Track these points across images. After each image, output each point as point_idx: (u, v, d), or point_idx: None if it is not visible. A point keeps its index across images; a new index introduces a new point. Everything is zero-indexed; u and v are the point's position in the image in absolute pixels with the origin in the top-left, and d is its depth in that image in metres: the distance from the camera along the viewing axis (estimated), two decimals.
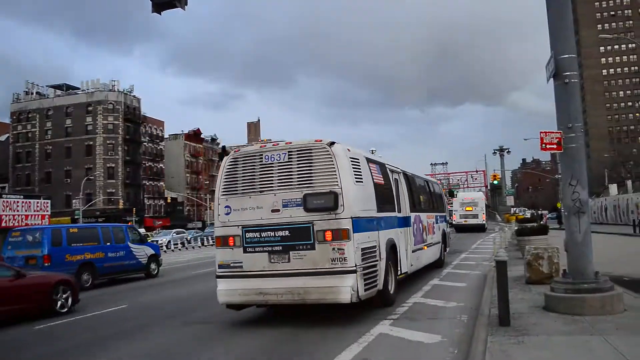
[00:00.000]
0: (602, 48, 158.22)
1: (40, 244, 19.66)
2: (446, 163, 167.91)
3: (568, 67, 10.33)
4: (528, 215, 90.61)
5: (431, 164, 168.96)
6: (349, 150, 11.65)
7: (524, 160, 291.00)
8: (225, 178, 11.86)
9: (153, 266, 24.94)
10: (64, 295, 14.77)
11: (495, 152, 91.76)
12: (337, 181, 10.94)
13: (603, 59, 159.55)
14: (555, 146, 10.31)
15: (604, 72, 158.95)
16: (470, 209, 54.12)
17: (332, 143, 11.20)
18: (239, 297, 11.35)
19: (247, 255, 11.30)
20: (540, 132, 10.36)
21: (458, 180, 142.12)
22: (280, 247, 11.02)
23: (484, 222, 55.88)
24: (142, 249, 24.28)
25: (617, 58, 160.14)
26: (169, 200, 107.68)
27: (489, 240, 35.19)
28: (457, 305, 12.11)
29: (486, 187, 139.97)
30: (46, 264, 19.12)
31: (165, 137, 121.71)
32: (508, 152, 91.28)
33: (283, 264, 10.99)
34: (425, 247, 17.74)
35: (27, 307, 13.69)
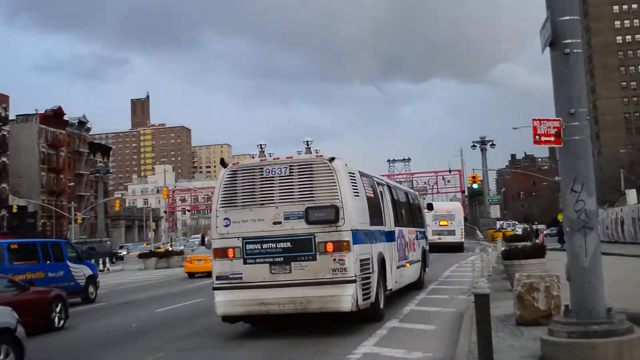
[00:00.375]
0: (615, 7, 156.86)
1: None
2: (408, 160, 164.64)
3: (569, 32, 10.55)
4: (519, 231, 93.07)
5: (388, 160, 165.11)
6: (347, 165, 16.27)
7: (513, 156, 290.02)
8: (224, 190, 16.28)
9: (91, 289, 28.46)
10: (59, 310, 19.63)
11: (474, 146, 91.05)
12: (337, 195, 15.51)
13: (617, 22, 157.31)
14: (552, 138, 10.52)
15: (619, 39, 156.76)
16: (446, 223, 56.45)
17: (333, 159, 15.82)
18: (240, 307, 15.69)
19: (247, 267, 15.70)
20: (533, 120, 10.55)
21: (425, 183, 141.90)
22: (282, 258, 15.46)
23: (462, 239, 58.98)
24: (80, 269, 27.85)
25: (637, 21, 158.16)
26: (14, 210, 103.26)
27: (466, 265, 36.10)
28: (423, 358, 12.39)
29: (463, 192, 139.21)
30: None
31: (10, 118, 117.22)
32: (492, 145, 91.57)
33: (284, 274, 15.40)
34: (408, 265, 22.18)
35: (29, 321, 16.45)
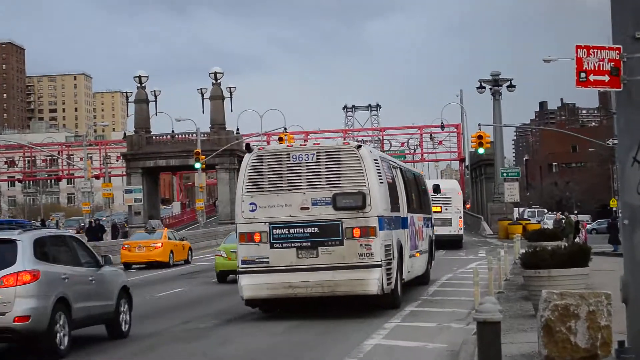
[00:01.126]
0: None
1: None
2: (377, 107, 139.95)
3: None
4: (549, 223, 69.68)
5: (346, 107, 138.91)
6: (372, 152, 19.49)
7: (542, 106, 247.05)
8: (249, 175, 18.67)
9: None
10: None
11: (482, 87, 72.84)
12: (364, 182, 18.18)
13: None
14: (607, 78, 9.40)
15: None
16: (438, 209, 46.69)
17: (359, 146, 18.66)
18: (267, 291, 18.49)
19: (274, 251, 18.25)
20: (577, 48, 9.40)
21: (403, 145, 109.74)
22: (309, 243, 18.12)
23: (461, 231, 52.15)
24: None
25: None
26: None
27: (466, 274, 32.16)
28: None
29: (462, 161, 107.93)
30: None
31: None
32: (510, 87, 73.73)
33: (311, 259, 18.10)
34: (417, 254, 24.54)
35: None
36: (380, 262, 18.30)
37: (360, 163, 18.42)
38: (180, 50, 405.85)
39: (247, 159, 18.87)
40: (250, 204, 18.61)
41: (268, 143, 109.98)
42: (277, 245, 18.30)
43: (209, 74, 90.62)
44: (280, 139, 68.87)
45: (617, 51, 9.34)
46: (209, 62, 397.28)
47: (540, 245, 20.72)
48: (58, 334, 15.18)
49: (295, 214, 18.27)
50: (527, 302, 19.98)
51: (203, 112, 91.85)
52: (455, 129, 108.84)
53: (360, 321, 19.02)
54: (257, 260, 18.40)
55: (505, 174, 72.73)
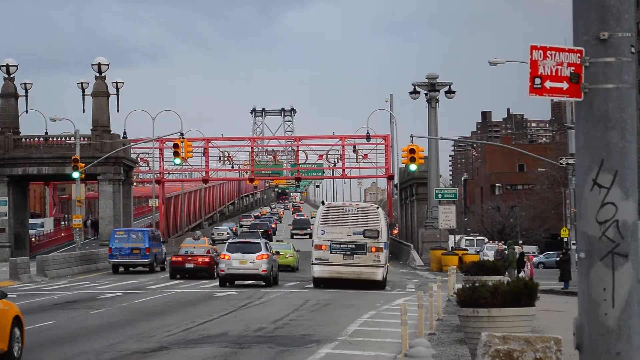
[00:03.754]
0: None
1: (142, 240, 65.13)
2: (292, 111, 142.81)
3: None
4: (489, 255, 71.27)
5: (254, 111, 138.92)
6: (381, 210, 53.90)
7: (485, 117, 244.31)
8: (323, 216, 49.27)
9: None
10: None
11: (416, 92, 74.43)
12: (379, 225, 49.23)
13: None
14: (565, 85, 9.50)
15: None
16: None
17: (378, 207, 54.12)
18: (326, 274, 48.68)
19: (332, 255, 48.25)
20: (532, 49, 9.46)
21: (321, 157, 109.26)
22: (349, 252, 48.16)
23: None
24: None
25: None
26: None
27: (391, 311, 33.02)
28: None
29: (390, 178, 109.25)
30: (147, 254, 65.32)
31: None
32: (449, 93, 75.45)
33: (350, 260, 48.19)
34: (388, 264, 53.94)
35: None
36: (383, 265, 47.92)
37: (377, 215, 48.68)
38: (62, 38, 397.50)
39: (323, 208, 49.90)
40: (322, 231, 47.69)
41: (161, 150, 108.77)
42: (333, 252, 47.10)
43: (92, 65, 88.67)
44: (176, 146, 68.50)
45: (578, 54, 9.38)
46: (96, 53, 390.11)
47: (479, 280, 21.07)
48: None
49: (343, 238, 47.18)
50: (462, 346, 20.31)
51: (84, 111, 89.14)
52: (384, 141, 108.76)
53: None
54: (322, 259, 47.45)
55: (440, 195, 73.79)
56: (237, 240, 57.25)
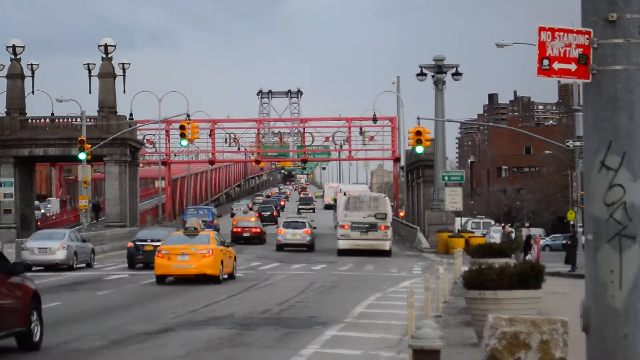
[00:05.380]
0: None
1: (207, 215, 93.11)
2: (298, 93, 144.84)
3: None
4: (496, 237, 71.91)
5: (260, 93, 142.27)
6: (388, 197, 78.71)
7: (492, 99, 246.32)
8: (345, 204, 70.46)
9: None
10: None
11: (423, 74, 74.87)
12: (386, 209, 69.83)
13: None
14: (573, 67, 9.46)
15: None
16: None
17: (385, 196, 76.51)
18: (349, 246, 67.75)
19: (352, 232, 68.66)
20: (540, 30, 9.39)
21: (328, 139, 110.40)
22: (365, 230, 68.13)
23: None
24: None
25: None
26: None
27: (398, 294, 33.01)
28: None
29: (396, 161, 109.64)
30: (211, 225, 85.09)
31: None
32: (456, 75, 75.78)
33: (365, 235, 68.26)
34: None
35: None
36: (390, 239, 68.05)
37: (385, 202, 69.40)
38: (68, 19, 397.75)
39: (345, 197, 71.90)
40: (345, 214, 67.03)
41: (167, 132, 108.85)
42: (354, 230, 66.14)
43: (98, 46, 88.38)
44: (183, 128, 68.56)
45: (586, 35, 9.36)
46: (100, 34, 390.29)
47: (485, 263, 20.99)
48: None
49: (360, 219, 66.14)
50: (469, 329, 20.29)
51: (90, 92, 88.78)
52: (390, 123, 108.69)
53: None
54: (345, 235, 66.57)
55: (446, 178, 74.22)
56: (290, 219, 78.95)
